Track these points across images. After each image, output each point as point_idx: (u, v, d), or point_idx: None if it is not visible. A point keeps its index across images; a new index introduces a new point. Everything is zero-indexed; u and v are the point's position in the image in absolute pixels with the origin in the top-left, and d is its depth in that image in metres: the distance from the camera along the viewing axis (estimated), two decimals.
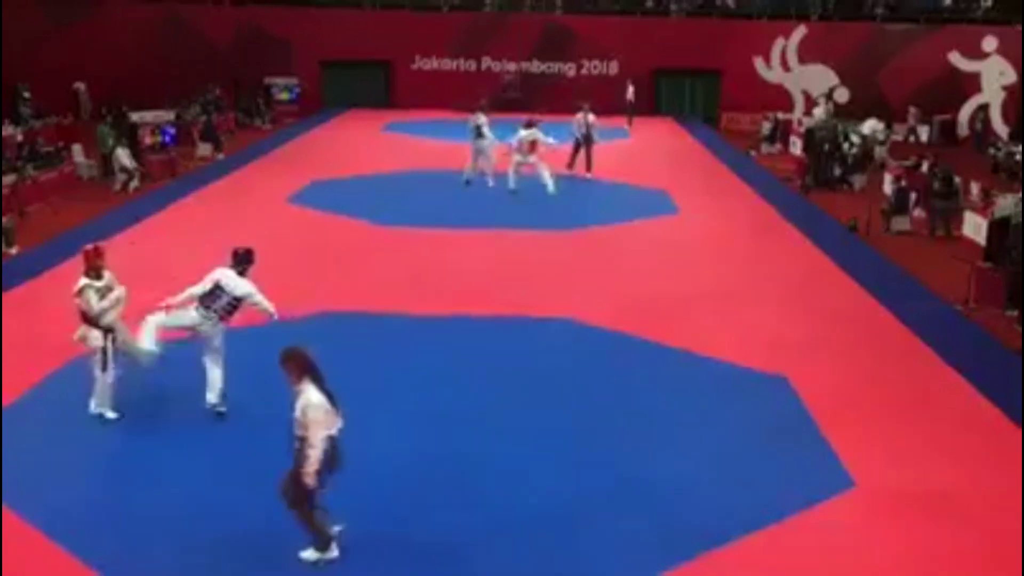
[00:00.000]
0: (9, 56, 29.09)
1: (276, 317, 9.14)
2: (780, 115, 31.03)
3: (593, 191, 21.48)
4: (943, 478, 8.42)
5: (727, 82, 34.12)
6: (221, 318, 9.07)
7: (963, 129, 32.70)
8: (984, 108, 32.91)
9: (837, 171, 23.13)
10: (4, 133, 22.92)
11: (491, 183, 20.94)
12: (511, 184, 20.30)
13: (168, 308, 8.99)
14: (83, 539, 7.07)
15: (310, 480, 6.66)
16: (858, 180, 22.98)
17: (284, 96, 33.83)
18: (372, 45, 33.48)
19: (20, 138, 23.37)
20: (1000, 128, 32.30)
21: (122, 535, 7.16)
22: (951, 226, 17.87)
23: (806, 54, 33.82)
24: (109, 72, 30.59)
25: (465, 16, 35.04)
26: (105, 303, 8.96)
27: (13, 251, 15.43)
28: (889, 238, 17.78)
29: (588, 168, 22.62)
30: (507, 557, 7.10)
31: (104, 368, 8.96)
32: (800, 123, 29.65)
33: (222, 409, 9.08)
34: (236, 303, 9.06)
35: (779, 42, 33.99)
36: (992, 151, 27.31)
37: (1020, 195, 15.50)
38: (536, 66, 34.72)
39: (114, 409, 9.07)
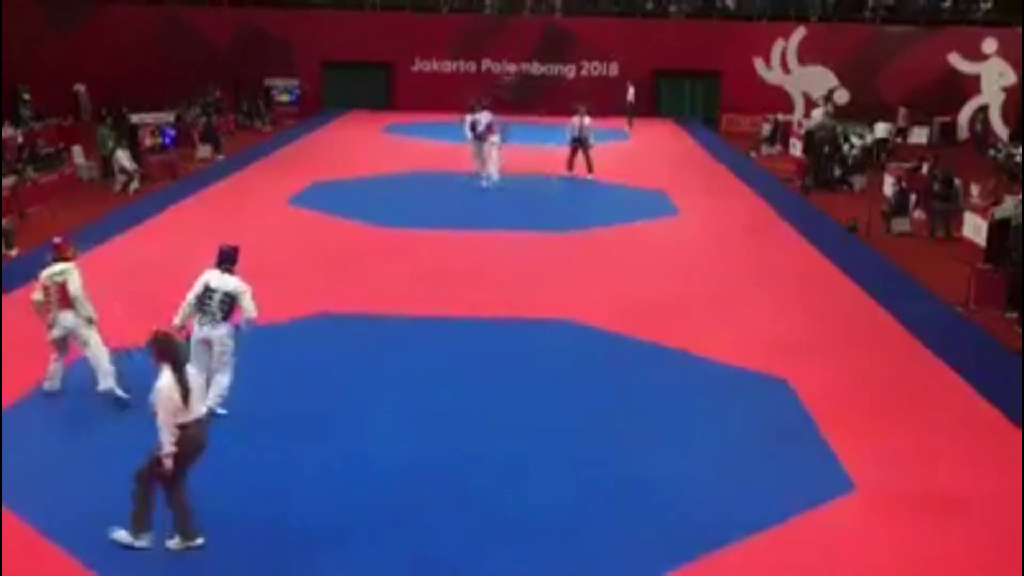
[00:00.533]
0: (9, 57, 29.10)
1: (253, 322, 9.05)
2: (780, 116, 31.04)
3: (593, 192, 21.49)
4: (943, 480, 8.42)
5: (727, 83, 34.14)
6: (224, 317, 9.05)
7: (963, 131, 32.72)
8: (984, 109, 32.93)
9: (837, 172, 23.14)
10: (4, 135, 22.91)
11: (485, 184, 20.96)
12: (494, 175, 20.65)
13: (184, 331, 8.91)
14: (82, 540, 7.07)
15: (167, 462, 6.81)
16: (858, 181, 22.99)
17: (284, 97, 33.84)
18: (373, 47, 33.49)
19: (20, 140, 23.38)
20: (1000, 129, 32.31)
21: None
22: (951, 227, 17.88)
23: (806, 56, 33.84)
24: (109, 73, 30.60)
25: (465, 18, 35.07)
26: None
27: (13, 252, 15.42)
28: (889, 239, 17.78)
29: (589, 170, 22.59)
30: (507, 558, 7.09)
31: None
32: (800, 124, 29.67)
33: (222, 411, 9.06)
34: (230, 299, 9.02)
35: (779, 43, 34.01)
36: (992, 152, 27.32)
37: (1020, 196, 15.50)
38: (536, 68, 34.74)
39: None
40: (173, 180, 22.01)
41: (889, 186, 20.63)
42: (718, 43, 33.56)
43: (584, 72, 34.71)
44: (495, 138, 21.31)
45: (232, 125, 30.15)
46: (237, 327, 9.07)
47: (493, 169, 21.12)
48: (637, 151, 27.88)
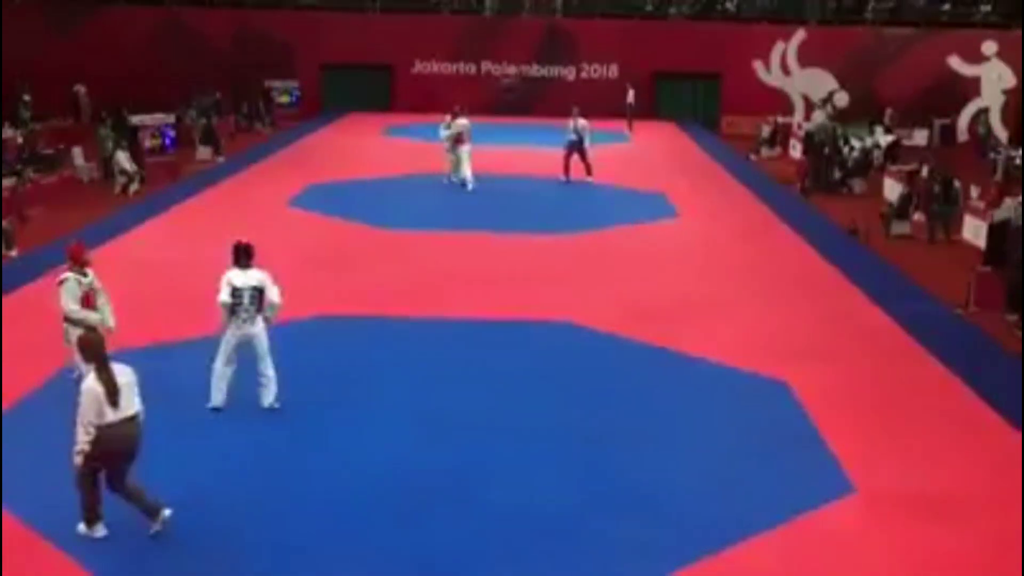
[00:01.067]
0: (9, 59, 29.09)
1: (279, 308, 9.18)
2: (780, 119, 31.05)
3: (593, 194, 21.49)
4: (944, 483, 8.42)
5: (727, 86, 34.15)
6: (258, 311, 9.14)
7: (963, 133, 32.74)
8: (984, 112, 32.95)
9: (837, 175, 23.15)
10: (5, 136, 22.91)
11: (470, 187, 21.12)
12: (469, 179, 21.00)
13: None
14: (82, 542, 7.07)
15: (76, 459, 6.90)
16: (858, 184, 22.99)
17: (284, 99, 33.84)
18: (373, 48, 33.50)
19: (20, 141, 23.37)
20: (1000, 132, 32.32)
21: (122, 538, 7.15)
22: (950, 230, 17.89)
23: (806, 58, 33.86)
24: (109, 75, 30.59)
25: (465, 19, 35.08)
26: (78, 312, 8.89)
27: (13, 253, 15.43)
28: (889, 242, 17.78)
29: (588, 172, 22.53)
30: (507, 560, 7.09)
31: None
32: (800, 127, 29.67)
33: (276, 405, 9.21)
34: (258, 293, 9.12)
35: (779, 46, 34.03)
36: (992, 155, 27.33)
37: (1019, 198, 15.50)
38: (536, 70, 34.75)
39: None
40: (173, 182, 22.00)
41: (890, 189, 20.63)
42: (718, 45, 33.56)
43: (584, 74, 34.73)
44: (467, 146, 21.46)
45: (232, 127, 30.14)
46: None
47: (467, 172, 21.31)
48: (637, 153, 27.89)
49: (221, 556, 7.04)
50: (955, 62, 33.06)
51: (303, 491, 7.97)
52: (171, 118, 26.93)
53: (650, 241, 17.27)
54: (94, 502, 7.11)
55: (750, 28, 34.46)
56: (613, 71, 34.45)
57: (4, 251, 15.36)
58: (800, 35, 33.96)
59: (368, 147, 27.34)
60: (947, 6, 34.80)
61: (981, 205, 17.91)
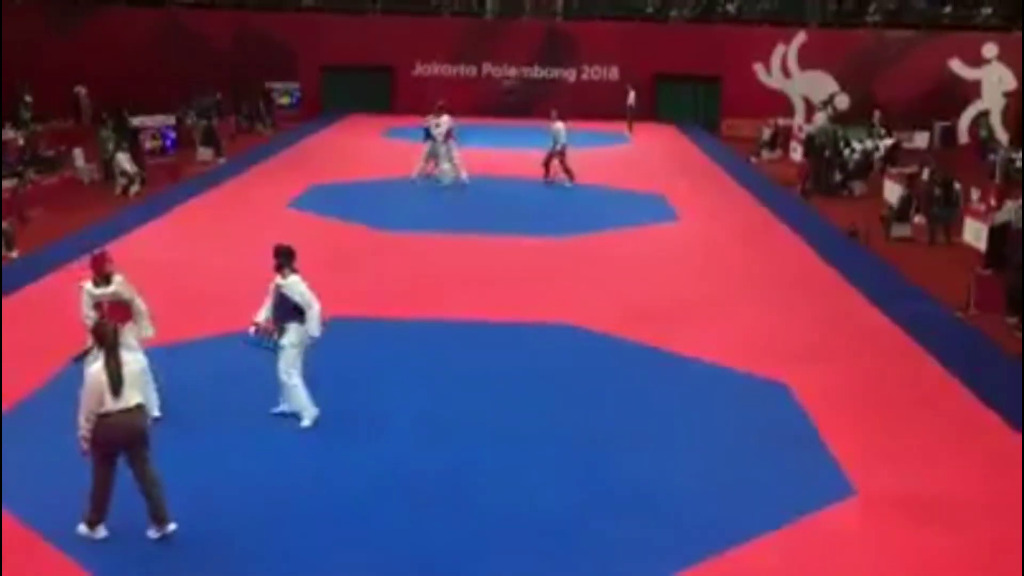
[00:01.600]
0: (10, 60, 29.11)
1: (315, 332, 9.06)
2: (780, 121, 31.05)
3: (593, 196, 21.48)
4: (943, 484, 8.42)
5: (728, 88, 34.16)
6: (278, 319, 9.09)
7: (963, 136, 32.74)
8: (985, 115, 32.95)
9: (838, 177, 23.15)
10: (6, 137, 22.92)
11: (447, 182, 21.44)
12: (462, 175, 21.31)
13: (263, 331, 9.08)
14: (83, 543, 7.07)
15: (81, 444, 6.94)
16: (858, 186, 22.99)
17: (285, 100, 33.83)
18: (373, 50, 33.51)
19: (21, 142, 23.38)
20: (1001, 135, 32.32)
21: (122, 539, 7.15)
22: (950, 232, 17.88)
23: (806, 60, 33.86)
24: (110, 76, 30.60)
25: (466, 22, 35.10)
26: (89, 319, 8.79)
27: (14, 255, 15.43)
28: (889, 244, 17.77)
29: (568, 175, 22.22)
30: (507, 564, 7.09)
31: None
32: (800, 129, 29.66)
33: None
34: (287, 302, 9.05)
35: (779, 48, 34.03)
36: (992, 157, 27.33)
37: (1020, 201, 15.50)
38: (537, 72, 34.76)
39: None
40: (174, 183, 22.01)
41: (890, 191, 20.62)
42: (719, 47, 33.57)
43: (585, 76, 34.74)
44: (453, 142, 21.61)
45: (233, 128, 30.14)
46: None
47: (449, 169, 21.50)
48: (637, 155, 27.90)
49: (220, 558, 7.04)
50: (956, 65, 33.06)
51: (303, 493, 7.97)
52: (172, 119, 26.95)
53: (650, 243, 17.28)
54: (103, 500, 7.08)
55: (751, 30, 34.48)
56: (614, 73, 34.47)
57: (5, 252, 15.37)
58: (801, 37, 33.96)
59: (368, 148, 27.35)
60: (948, 8, 34.80)
61: (982, 207, 17.91)
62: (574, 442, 9.04)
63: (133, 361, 7.20)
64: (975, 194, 19.29)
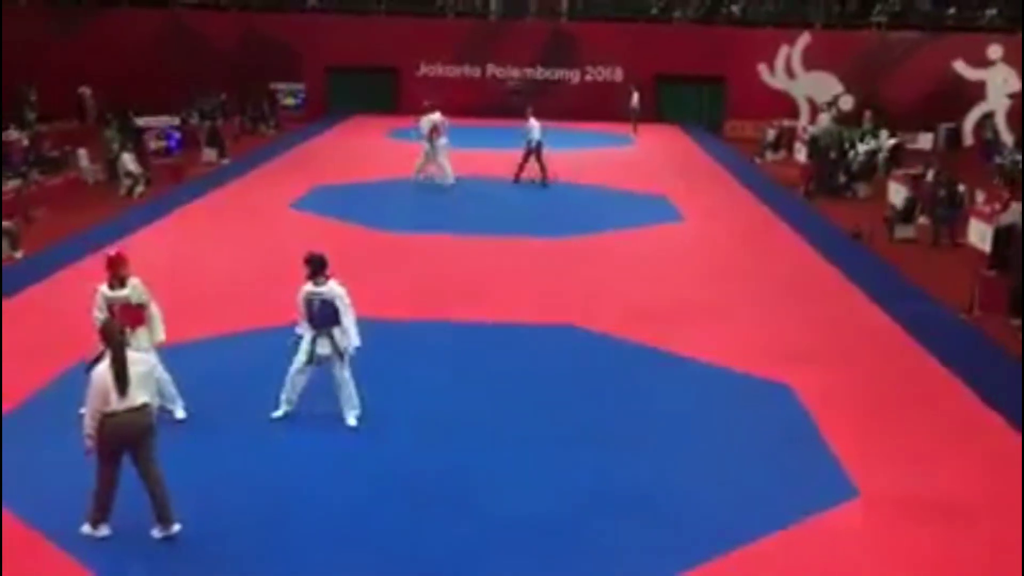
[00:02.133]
0: (15, 60, 29.18)
1: (354, 342, 9.06)
2: (784, 122, 31.02)
3: (597, 198, 21.48)
4: (946, 485, 8.41)
5: (732, 89, 34.15)
6: (320, 326, 9.03)
7: (967, 137, 32.69)
8: (989, 116, 32.89)
9: (842, 179, 23.12)
10: (11, 138, 22.96)
11: (451, 181, 21.46)
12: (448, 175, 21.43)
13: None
14: (85, 543, 7.08)
15: (86, 442, 6.97)
16: (862, 188, 22.96)
17: (289, 101, 33.89)
18: (378, 51, 33.55)
19: (26, 142, 23.42)
20: (1005, 136, 32.27)
21: (124, 539, 7.16)
22: (955, 234, 17.86)
23: (811, 62, 33.84)
24: (115, 77, 30.67)
25: (470, 23, 35.13)
26: (101, 316, 8.80)
27: (18, 255, 15.46)
28: (893, 246, 17.76)
29: (544, 175, 22.18)
30: (508, 565, 7.09)
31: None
32: (805, 130, 29.63)
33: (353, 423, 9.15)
34: (329, 308, 9.01)
35: (784, 49, 34.01)
36: (997, 159, 27.29)
37: (1021, 203, 15.47)
38: (540, 72, 34.78)
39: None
40: (178, 183, 22.05)
41: (895, 192, 20.59)
42: (723, 49, 33.56)
43: (589, 77, 34.76)
44: (444, 140, 21.65)
45: (237, 129, 30.19)
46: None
47: (445, 168, 21.56)
48: (641, 156, 27.89)
49: (221, 557, 7.05)
50: (960, 66, 33.01)
51: (304, 493, 7.97)
52: (176, 120, 27.01)
53: (653, 243, 17.27)
54: (107, 499, 7.09)
55: (755, 32, 34.45)
56: (617, 74, 34.47)
57: (10, 252, 15.40)
58: (805, 39, 33.94)
59: (372, 149, 27.36)
60: (952, 10, 34.75)
61: (987, 209, 17.88)
62: (575, 442, 9.03)
63: (140, 362, 7.22)
64: (979, 196, 19.27)
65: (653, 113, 33.54)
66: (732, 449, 9.01)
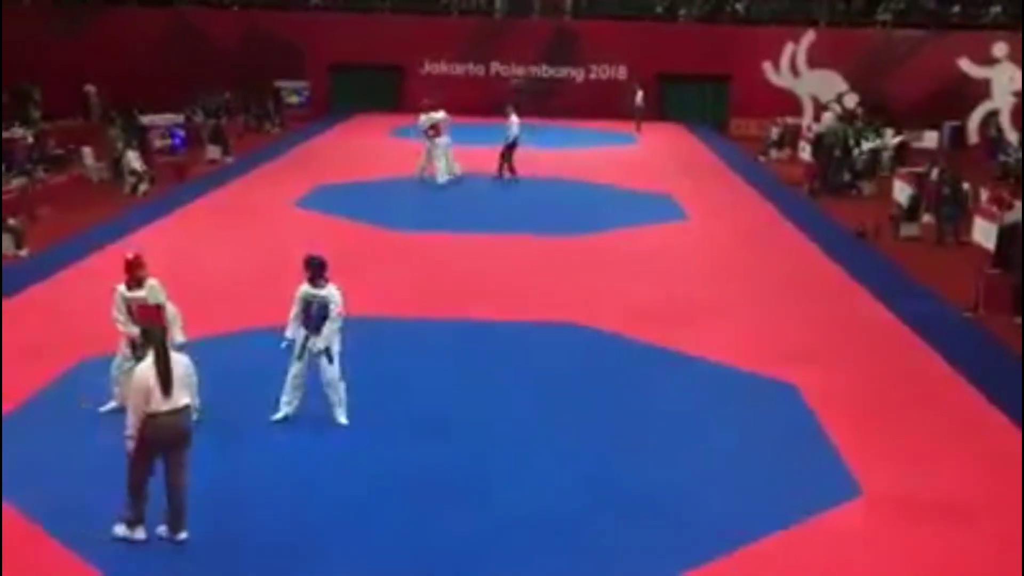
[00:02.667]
0: (20, 59, 29.22)
1: (320, 345, 9.01)
2: (789, 120, 30.98)
3: (600, 196, 21.46)
4: (951, 486, 8.39)
5: (736, 87, 34.10)
6: (317, 328, 9.04)
7: (972, 135, 32.62)
8: (994, 114, 32.82)
9: (846, 177, 23.09)
10: (16, 135, 22.98)
11: (440, 180, 21.52)
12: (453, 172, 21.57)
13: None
14: (90, 542, 7.07)
15: (127, 444, 6.91)
16: (867, 186, 22.93)
17: (293, 99, 33.89)
18: (382, 49, 33.54)
19: (30, 140, 23.45)
20: (1010, 135, 32.20)
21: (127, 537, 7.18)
22: (959, 232, 17.83)
23: (815, 60, 33.78)
24: (119, 75, 30.70)
25: (474, 21, 35.12)
26: (120, 322, 8.94)
27: (23, 253, 15.49)
28: (898, 244, 17.73)
29: (506, 170, 22.38)
30: (513, 564, 7.08)
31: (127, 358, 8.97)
32: (809, 128, 29.58)
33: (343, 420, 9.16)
34: (325, 311, 9.03)
35: (788, 47, 33.96)
36: (1002, 157, 27.23)
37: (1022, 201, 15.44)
38: (545, 71, 34.76)
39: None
40: (182, 182, 22.07)
41: (899, 190, 20.55)
42: (727, 47, 33.53)
43: (593, 75, 34.74)
44: (445, 139, 21.69)
45: (241, 127, 30.21)
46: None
47: (440, 167, 21.59)
48: (645, 155, 27.86)
49: (223, 557, 7.04)
50: (965, 64, 32.94)
51: (306, 493, 7.97)
52: (180, 118, 27.02)
53: (657, 242, 17.25)
54: (140, 498, 7.03)
55: (759, 30, 34.40)
56: (622, 72, 34.44)
57: (14, 250, 15.42)
58: (809, 36, 33.89)
59: (376, 148, 27.36)
60: (957, 8, 34.67)
61: (992, 208, 17.83)
62: (577, 441, 9.03)
63: (180, 363, 7.14)
64: (984, 194, 19.22)
65: (657, 111, 33.51)
66: (735, 448, 9.00)
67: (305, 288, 9.11)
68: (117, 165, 21.70)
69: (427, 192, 21.41)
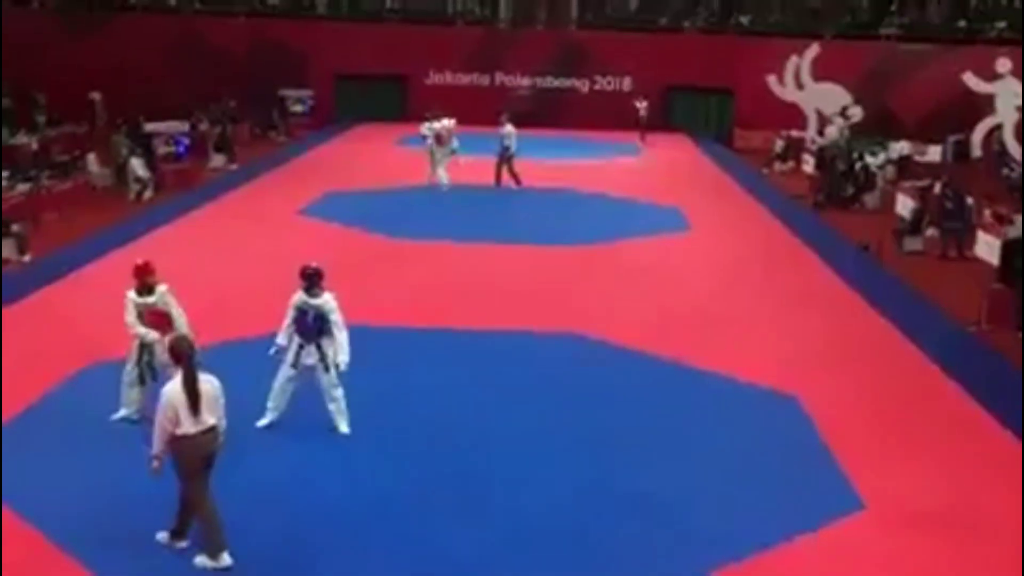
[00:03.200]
0: (26, 65, 29.30)
1: (346, 359, 8.99)
2: (793, 133, 30.99)
3: (604, 207, 21.47)
4: (954, 499, 8.37)
5: (740, 99, 34.12)
6: (315, 337, 9.05)
7: (976, 150, 32.62)
8: (998, 129, 32.81)
9: (850, 190, 23.09)
10: (20, 141, 23.05)
11: (445, 188, 21.71)
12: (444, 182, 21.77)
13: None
14: (93, 548, 7.08)
15: (154, 464, 6.83)
16: (871, 199, 22.93)
17: (298, 108, 33.93)
18: (387, 59, 33.59)
19: (35, 147, 23.51)
20: (1013, 149, 32.20)
21: (130, 543, 7.16)
22: (963, 246, 17.82)
23: (820, 72, 33.81)
24: (125, 82, 30.75)
25: (480, 31, 35.20)
26: (140, 329, 8.98)
27: (26, 258, 15.51)
28: (901, 258, 17.72)
29: (514, 180, 22.52)
30: (516, 571, 7.07)
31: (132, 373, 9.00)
32: (813, 141, 29.60)
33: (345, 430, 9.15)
34: (321, 320, 9.03)
35: (793, 60, 33.99)
36: (1006, 172, 27.23)
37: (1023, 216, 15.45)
38: (550, 82, 34.82)
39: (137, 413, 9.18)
40: (186, 189, 22.10)
41: (903, 204, 20.55)
42: (731, 59, 33.54)
43: (598, 86, 34.76)
44: (447, 147, 21.94)
45: (246, 135, 30.26)
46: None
47: (439, 174, 21.81)
48: (649, 166, 27.88)
49: (223, 567, 7.03)
50: (969, 78, 32.96)
51: (310, 501, 7.96)
52: (185, 126, 27.07)
53: (661, 254, 17.24)
54: (213, 519, 6.91)
55: (764, 42, 34.41)
56: (626, 84, 34.48)
57: (17, 256, 15.45)
58: (814, 50, 33.90)
59: (380, 157, 27.40)
60: (962, 22, 34.69)
61: (994, 222, 17.84)
62: (581, 450, 9.02)
63: (208, 381, 7.03)
64: (987, 209, 19.22)
65: (662, 123, 33.51)
66: (740, 460, 8.98)
67: (301, 297, 9.11)
68: (121, 172, 21.75)
69: (432, 201, 21.43)
